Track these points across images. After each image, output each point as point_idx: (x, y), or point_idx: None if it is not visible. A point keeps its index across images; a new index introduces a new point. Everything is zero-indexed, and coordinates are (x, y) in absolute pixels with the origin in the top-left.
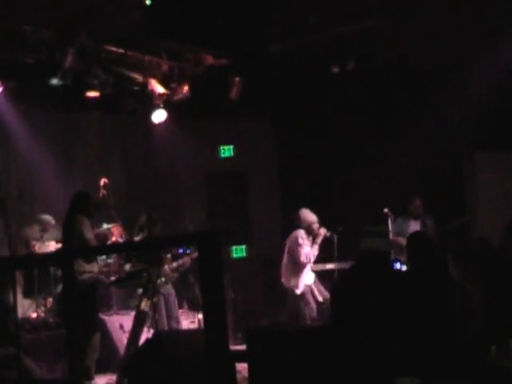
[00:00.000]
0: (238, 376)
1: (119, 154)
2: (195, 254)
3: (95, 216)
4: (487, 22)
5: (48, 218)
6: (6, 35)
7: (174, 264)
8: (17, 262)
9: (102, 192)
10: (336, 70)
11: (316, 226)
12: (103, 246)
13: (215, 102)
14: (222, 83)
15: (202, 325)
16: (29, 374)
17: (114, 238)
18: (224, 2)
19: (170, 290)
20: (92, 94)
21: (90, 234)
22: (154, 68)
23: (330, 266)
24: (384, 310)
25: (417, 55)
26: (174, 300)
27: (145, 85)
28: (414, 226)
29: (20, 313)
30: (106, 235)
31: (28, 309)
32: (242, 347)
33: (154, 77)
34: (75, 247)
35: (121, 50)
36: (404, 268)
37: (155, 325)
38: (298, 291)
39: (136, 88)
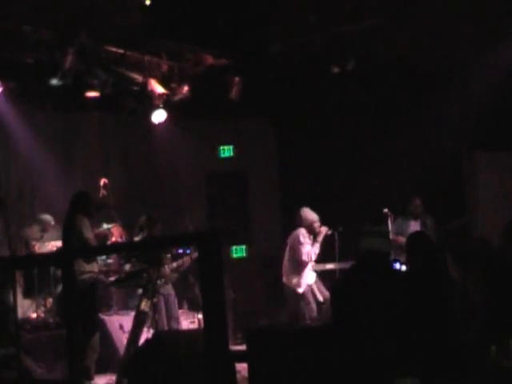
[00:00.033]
0: (238, 376)
1: (119, 154)
2: (195, 254)
3: (95, 216)
4: (487, 22)
5: (48, 217)
6: (6, 35)
7: (174, 264)
8: (17, 262)
9: (102, 192)
10: (336, 69)
11: (317, 224)
12: (103, 246)
13: (215, 102)
14: (221, 83)
15: (202, 325)
16: (29, 374)
17: (113, 238)
18: (224, 2)
19: (169, 290)
20: (92, 94)
21: (89, 234)
22: (154, 68)
23: (330, 266)
24: (384, 310)
25: (417, 55)
26: (173, 300)
27: (145, 85)
28: (414, 226)
29: (20, 313)
30: (105, 235)
31: (28, 309)
32: (242, 347)
33: (154, 77)
34: (75, 247)
35: (121, 50)
36: (403, 268)
37: (155, 325)
38: (301, 290)
39: (136, 88)
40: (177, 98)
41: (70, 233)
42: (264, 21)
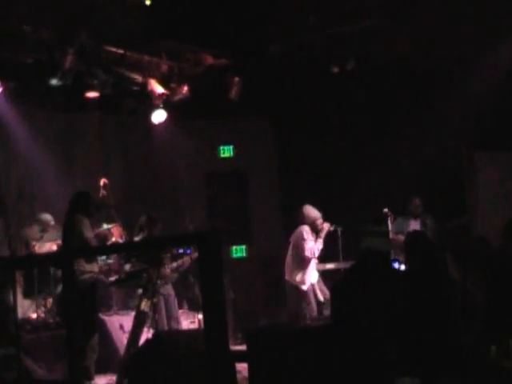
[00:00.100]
0: (238, 376)
1: (119, 154)
2: (195, 254)
3: (95, 216)
4: (487, 22)
5: (48, 217)
6: (6, 35)
7: (174, 264)
8: (17, 262)
9: (102, 192)
10: (336, 69)
11: (320, 221)
12: (103, 246)
13: (215, 102)
14: (221, 83)
15: (202, 325)
16: (29, 374)
17: (113, 239)
18: (224, 2)
19: (169, 290)
20: (92, 94)
21: (89, 234)
22: (154, 68)
23: (330, 266)
24: (384, 310)
25: (417, 55)
26: (173, 300)
27: (144, 85)
28: (414, 226)
29: (20, 313)
30: (105, 235)
31: (28, 309)
32: (242, 347)
33: (154, 77)
34: (75, 247)
35: (120, 51)
36: (402, 267)
37: (155, 325)
38: (305, 287)
39: (136, 88)
40: (177, 98)
41: (69, 233)
42: (264, 21)
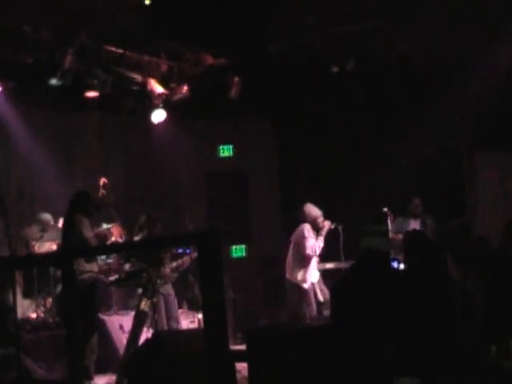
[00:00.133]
0: (238, 376)
1: (119, 154)
2: (195, 254)
3: (95, 216)
4: (487, 22)
5: (47, 216)
6: (6, 35)
7: (174, 264)
8: (16, 262)
9: (102, 192)
10: (336, 69)
11: (321, 220)
12: (103, 246)
13: (215, 102)
14: (221, 83)
15: (202, 325)
16: (28, 374)
17: (113, 238)
18: (224, 2)
19: (169, 289)
20: (91, 93)
21: (89, 234)
22: (154, 68)
23: (330, 266)
24: (384, 310)
25: (417, 55)
26: (173, 300)
27: (144, 85)
28: (414, 226)
29: (19, 313)
30: (105, 235)
31: (28, 309)
32: (242, 347)
33: (154, 77)
34: (75, 247)
35: (120, 50)
36: (401, 266)
37: (155, 325)
38: (306, 285)
39: (135, 88)
40: (176, 97)
41: (69, 232)
42: (264, 21)
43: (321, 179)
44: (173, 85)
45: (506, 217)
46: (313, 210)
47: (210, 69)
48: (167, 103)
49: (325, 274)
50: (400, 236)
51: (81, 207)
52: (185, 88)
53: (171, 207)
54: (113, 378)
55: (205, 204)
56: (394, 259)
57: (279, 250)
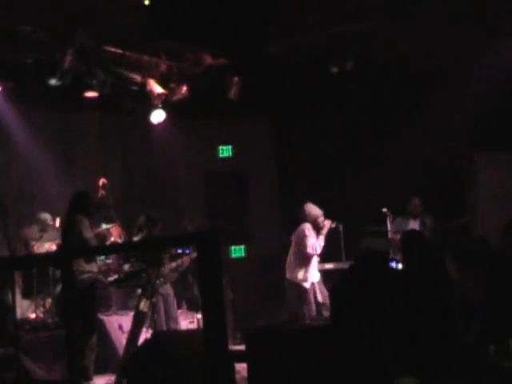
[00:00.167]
0: (237, 376)
1: (118, 154)
2: (194, 254)
3: (94, 216)
4: (487, 22)
5: (46, 216)
6: (6, 35)
7: (173, 264)
8: (16, 263)
9: (101, 192)
10: (335, 70)
11: (321, 219)
12: (102, 246)
13: (214, 102)
14: (220, 83)
15: (201, 325)
16: (28, 374)
17: (112, 239)
18: (223, 2)
19: (168, 290)
20: (91, 94)
21: (89, 234)
22: (153, 68)
23: (329, 266)
24: (383, 310)
25: (417, 55)
26: (172, 300)
27: (143, 85)
28: (413, 226)
29: (19, 313)
30: (104, 235)
31: (27, 309)
32: (241, 347)
33: (153, 77)
34: (74, 247)
35: (119, 51)
36: (400, 266)
37: (154, 325)
38: (307, 284)
39: (135, 88)
40: (175, 98)
41: (69, 233)
42: (263, 21)
43: (320, 179)
44: (172, 85)
45: (505, 217)
46: (313, 209)
47: (209, 69)
48: (166, 103)
49: (325, 275)
50: (399, 236)
51: (81, 207)
52: (184, 88)
53: (170, 207)
54: (112, 378)
55: (204, 204)
56: (392, 259)
57: (278, 251)
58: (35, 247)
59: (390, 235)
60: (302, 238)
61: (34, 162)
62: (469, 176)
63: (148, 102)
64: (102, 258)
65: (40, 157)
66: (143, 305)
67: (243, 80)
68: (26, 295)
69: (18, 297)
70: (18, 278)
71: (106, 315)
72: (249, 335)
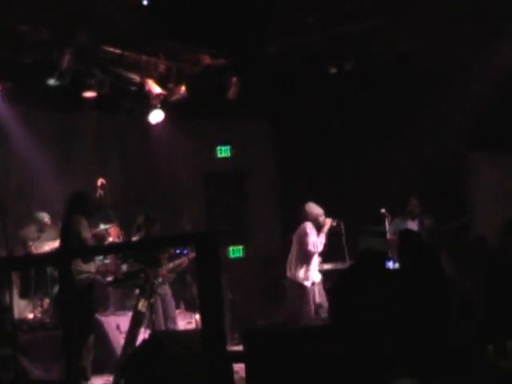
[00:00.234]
0: (236, 376)
1: (117, 154)
2: (192, 255)
3: (93, 216)
4: (487, 22)
5: (44, 215)
6: (5, 35)
7: (171, 264)
8: (14, 263)
9: (99, 192)
10: (333, 70)
11: (322, 218)
12: (101, 246)
13: (212, 102)
14: (219, 83)
15: (200, 325)
16: (25, 374)
17: (111, 239)
18: (223, 2)
19: (166, 290)
20: (90, 94)
21: (87, 234)
22: (152, 68)
23: (327, 266)
24: (382, 310)
25: (417, 55)
26: (170, 300)
27: (142, 85)
28: (412, 226)
29: (16, 313)
30: (103, 236)
31: (25, 309)
32: (240, 348)
33: (152, 77)
34: (73, 247)
35: (118, 51)
36: (396, 265)
37: (152, 325)
38: (308, 283)
39: (133, 88)
40: (174, 98)
41: (68, 233)
42: (263, 21)
43: (320, 179)
44: (171, 85)
45: (505, 217)
46: (314, 208)
47: (207, 69)
48: (165, 103)
49: (325, 275)
50: None
51: (79, 207)
52: (183, 88)
53: (169, 207)
54: (110, 378)
55: (203, 204)
56: (389, 258)
57: (277, 251)
58: (33, 247)
59: (388, 236)
60: (303, 236)
61: (33, 161)
62: (469, 176)
63: (147, 102)
64: (100, 258)
65: (38, 156)
66: (141, 305)
67: (243, 80)
68: (23, 295)
69: (16, 297)
70: (15, 278)
71: (103, 315)
72: (247, 335)
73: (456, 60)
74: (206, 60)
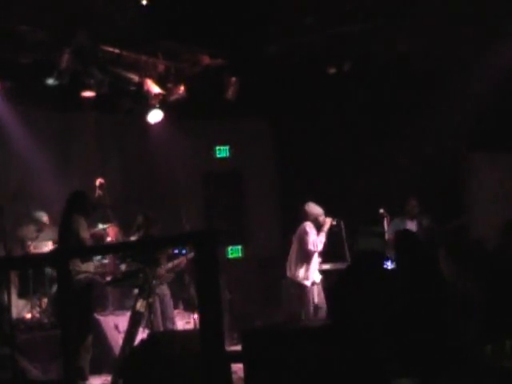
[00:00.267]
0: (234, 376)
1: (116, 154)
2: (191, 255)
3: (92, 216)
4: (487, 22)
5: (42, 214)
6: (5, 35)
7: (169, 264)
8: (12, 263)
9: (98, 192)
10: (332, 70)
11: (322, 218)
12: (99, 246)
13: (211, 102)
14: (218, 83)
15: (198, 325)
16: (24, 374)
17: (109, 239)
18: (223, 2)
19: (165, 290)
20: (88, 93)
21: (85, 234)
22: (151, 68)
23: (326, 267)
24: (381, 310)
25: (417, 55)
26: (169, 300)
27: (141, 85)
28: (411, 226)
29: (15, 313)
30: (101, 235)
31: (23, 309)
32: (238, 348)
33: (150, 77)
34: (71, 247)
35: (117, 50)
36: (393, 265)
37: (150, 325)
38: (308, 283)
39: (132, 88)
40: (173, 97)
41: (66, 233)
42: (263, 21)
43: (320, 179)
44: (169, 85)
45: (505, 217)
46: (314, 208)
47: (206, 69)
48: (164, 103)
49: (325, 275)
50: None
51: (78, 207)
52: (182, 88)
53: (168, 207)
54: (108, 378)
55: (201, 204)
56: (387, 258)
57: (276, 251)
58: (31, 247)
59: (387, 236)
60: (303, 235)
61: (31, 161)
62: (469, 176)
63: (145, 101)
64: (99, 257)
65: (37, 156)
66: (140, 305)
67: (243, 80)
68: (21, 295)
69: (14, 297)
70: (14, 277)
71: (102, 315)
72: (245, 335)
73: (456, 60)
74: (206, 60)
